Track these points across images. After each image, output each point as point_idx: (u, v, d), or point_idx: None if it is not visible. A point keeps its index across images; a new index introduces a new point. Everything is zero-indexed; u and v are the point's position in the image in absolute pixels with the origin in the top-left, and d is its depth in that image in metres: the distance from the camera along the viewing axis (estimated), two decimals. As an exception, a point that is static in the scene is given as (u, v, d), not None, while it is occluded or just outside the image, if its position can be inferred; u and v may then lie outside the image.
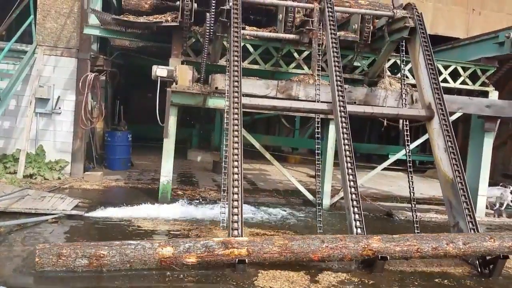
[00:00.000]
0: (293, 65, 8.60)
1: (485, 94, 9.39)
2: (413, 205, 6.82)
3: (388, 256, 5.07)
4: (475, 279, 5.28)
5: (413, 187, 6.83)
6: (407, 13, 7.18)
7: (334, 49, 6.71)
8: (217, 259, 4.76)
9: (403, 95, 7.58)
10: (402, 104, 7.53)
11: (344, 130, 6.12)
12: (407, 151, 7.07)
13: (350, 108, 6.53)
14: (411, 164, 6.94)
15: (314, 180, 9.88)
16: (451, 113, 7.84)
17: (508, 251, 5.35)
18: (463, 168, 6.10)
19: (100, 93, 9.73)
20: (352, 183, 5.77)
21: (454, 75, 9.28)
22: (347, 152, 5.96)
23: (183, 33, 7.70)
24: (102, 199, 7.75)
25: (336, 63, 6.62)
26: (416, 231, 6.57)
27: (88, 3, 8.29)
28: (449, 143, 6.21)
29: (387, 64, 8.73)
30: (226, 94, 6.38)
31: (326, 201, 8.47)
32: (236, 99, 6.00)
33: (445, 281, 5.12)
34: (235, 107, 5.95)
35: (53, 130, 9.46)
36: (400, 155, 8.87)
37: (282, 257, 4.89)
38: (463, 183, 5.95)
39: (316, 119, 7.19)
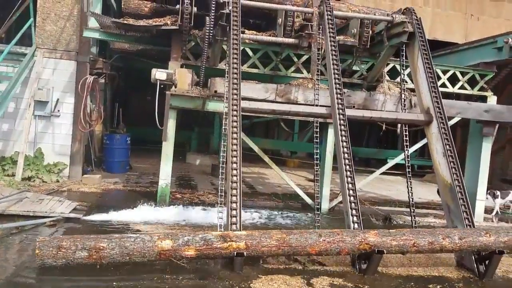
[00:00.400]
0: (292, 69, 8.62)
1: (483, 99, 9.41)
2: (411, 209, 6.82)
3: (384, 250, 5.08)
4: (472, 286, 5.26)
5: (411, 192, 6.83)
6: (406, 18, 7.21)
7: (333, 54, 6.73)
8: (215, 252, 4.78)
9: (402, 100, 7.59)
10: (401, 109, 7.54)
11: (343, 134, 6.13)
12: (406, 155, 7.08)
13: (349, 112, 6.54)
14: (410, 169, 6.94)
15: (312, 184, 9.86)
16: (450, 118, 7.87)
17: (503, 246, 5.38)
18: (461, 173, 6.11)
19: (99, 96, 9.73)
20: (350, 186, 5.78)
21: (453, 80, 9.31)
22: (346, 156, 5.96)
23: (182, 37, 7.71)
24: (100, 202, 7.73)
25: (335, 67, 6.64)
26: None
27: (88, 6, 8.31)
28: (448, 147, 6.22)
29: (386, 69, 8.76)
30: (225, 98, 6.38)
31: (325, 205, 8.47)
32: (235, 103, 6.01)
33: (439, 286, 5.09)
34: (234, 111, 5.96)
35: (52, 132, 9.45)
36: (399, 159, 8.89)
37: (280, 250, 4.93)
38: (462, 188, 5.96)
39: (315, 123, 7.20)
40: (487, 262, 5.44)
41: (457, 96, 9.75)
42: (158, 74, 7.51)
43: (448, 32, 13.15)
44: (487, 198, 9.20)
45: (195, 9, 7.26)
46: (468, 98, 9.45)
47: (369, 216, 8.25)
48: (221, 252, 4.79)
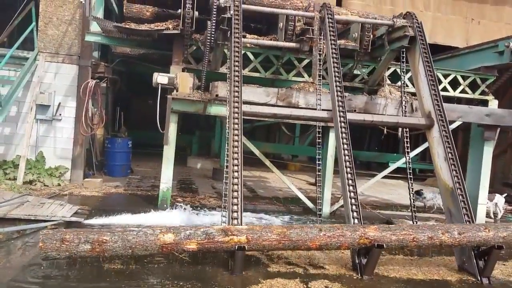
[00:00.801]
0: (293, 73, 8.64)
1: (484, 103, 9.42)
2: (413, 213, 6.81)
3: (384, 244, 5.10)
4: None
5: (413, 195, 6.83)
6: (407, 22, 7.23)
7: (334, 58, 6.75)
8: (217, 246, 4.81)
9: (403, 104, 7.60)
10: (403, 113, 7.55)
11: (344, 138, 6.14)
12: (407, 159, 7.08)
13: (350, 116, 6.55)
14: (411, 172, 6.94)
15: (314, 188, 9.86)
16: (451, 122, 7.86)
17: (503, 241, 5.40)
18: (463, 177, 6.11)
19: (100, 100, 9.75)
20: (352, 188, 5.79)
21: (454, 84, 9.32)
22: (347, 160, 5.97)
23: (184, 41, 7.74)
24: (102, 206, 7.73)
25: (336, 71, 6.66)
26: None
27: (90, 10, 8.33)
28: (449, 151, 6.23)
29: (387, 73, 8.77)
30: (226, 102, 6.40)
31: (326, 209, 8.45)
32: (236, 106, 6.03)
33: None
34: (235, 114, 5.97)
35: (54, 136, 9.47)
36: (400, 163, 8.88)
37: (280, 244, 4.96)
38: (463, 192, 5.96)
39: (316, 127, 7.21)
40: (486, 257, 5.46)
41: (458, 100, 9.76)
42: (160, 78, 7.53)
43: (448, 36, 13.17)
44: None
45: (196, 13, 7.30)
46: (469, 102, 9.46)
47: (371, 220, 8.23)
48: (223, 246, 4.83)
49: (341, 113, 6.33)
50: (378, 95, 8.26)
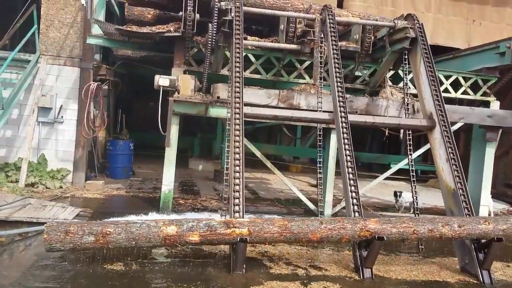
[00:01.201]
0: (294, 74, 8.64)
1: (486, 104, 9.40)
2: (416, 214, 6.80)
3: (384, 237, 5.13)
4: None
5: (416, 197, 6.82)
6: (408, 24, 7.24)
7: (336, 59, 6.76)
8: (219, 238, 4.87)
9: (405, 105, 7.60)
10: (405, 114, 7.55)
11: (346, 139, 6.14)
12: (410, 161, 7.07)
13: (352, 117, 6.55)
14: (414, 174, 6.94)
15: (315, 189, 9.83)
16: (453, 123, 7.87)
17: (502, 234, 5.44)
18: (464, 178, 6.10)
19: (102, 102, 9.76)
20: (353, 188, 5.81)
21: (456, 85, 9.31)
22: (349, 161, 5.97)
23: (185, 43, 7.75)
24: (104, 208, 7.74)
25: (338, 73, 6.66)
26: (419, 244, 6.55)
27: (92, 13, 8.36)
28: (451, 153, 6.22)
29: (388, 74, 8.77)
30: (228, 104, 6.40)
31: (328, 211, 8.44)
32: (237, 108, 6.04)
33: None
34: (236, 116, 5.98)
35: (55, 139, 9.49)
36: (402, 164, 8.86)
37: (282, 237, 5.01)
38: (465, 193, 5.95)
39: (318, 129, 7.21)
40: (485, 250, 5.48)
41: (460, 101, 9.74)
42: (161, 81, 7.55)
43: (450, 37, 13.15)
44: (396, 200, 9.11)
45: (197, 16, 7.30)
46: (471, 103, 9.44)
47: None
48: (225, 238, 4.89)
49: (343, 115, 6.33)
50: (379, 96, 8.26)
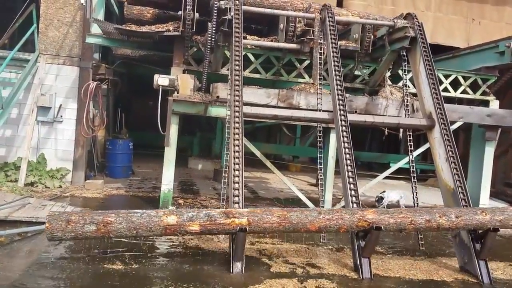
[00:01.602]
0: (294, 74, 8.63)
1: (486, 103, 9.40)
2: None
3: (382, 227, 5.15)
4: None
5: (416, 197, 6.82)
6: (407, 23, 7.24)
7: (335, 58, 6.75)
8: (218, 227, 4.92)
9: (405, 104, 7.60)
10: (405, 113, 7.55)
11: (345, 139, 6.14)
12: (411, 159, 7.07)
13: (351, 117, 6.55)
14: (414, 174, 6.94)
15: (315, 189, 9.85)
16: (452, 122, 7.86)
17: (499, 224, 5.47)
18: (464, 178, 6.10)
19: (101, 102, 9.76)
20: (353, 191, 5.80)
21: (455, 84, 9.31)
22: (348, 161, 5.97)
23: (184, 43, 7.74)
24: (103, 208, 7.73)
25: (337, 72, 6.66)
26: (420, 242, 6.56)
27: (91, 12, 8.35)
28: (450, 152, 6.23)
29: (388, 73, 8.76)
30: (227, 103, 6.40)
31: (327, 210, 8.43)
32: (237, 108, 6.03)
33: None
34: (236, 116, 5.98)
35: (55, 138, 9.48)
36: (402, 163, 8.86)
37: (281, 227, 5.05)
38: (464, 192, 5.96)
39: (317, 128, 7.21)
40: (482, 240, 5.53)
41: (459, 101, 9.74)
42: (161, 80, 7.54)
43: (449, 36, 13.15)
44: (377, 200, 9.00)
45: (197, 15, 7.29)
46: (470, 102, 9.45)
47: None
48: (224, 227, 4.93)
49: (342, 114, 6.33)
50: (379, 96, 8.26)
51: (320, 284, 4.94)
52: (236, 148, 5.76)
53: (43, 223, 6.32)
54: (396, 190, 9.37)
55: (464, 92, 9.33)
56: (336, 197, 9.14)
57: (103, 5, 9.27)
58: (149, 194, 9.16)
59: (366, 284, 5.10)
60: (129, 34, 8.13)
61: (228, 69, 6.74)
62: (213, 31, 7.06)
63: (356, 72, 8.87)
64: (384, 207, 8.92)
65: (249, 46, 8.12)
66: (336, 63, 6.72)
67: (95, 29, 8.62)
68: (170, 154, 7.82)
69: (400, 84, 8.24)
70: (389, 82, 8.74)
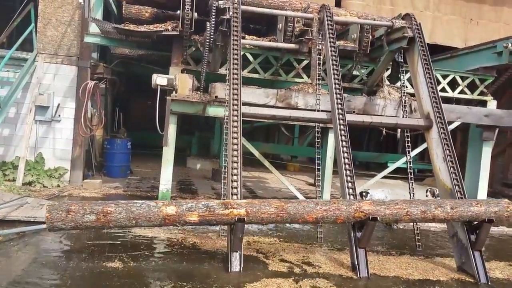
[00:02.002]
0: (292, 74, 8.65)
1: (483, 103, 9.44)
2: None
3: (378, 217, 5.21)
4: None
5: (413, 196, 6.84)
6: (405, 23, 7.25)
7: (333, 59, 6.76)
8: (217, 218, 4.95)
9: (402, 105, 7.62)
10: (403, 113, 7.57)
11: (343, 139, 6.15)
12: (408, 159, 7.09)
13: (349, 117, 6.57)
14: (412, 175, 6.96)
15: (313, 188, 9.85)
16: (450, 122, 7.89)
17: (494, 215, 5.52)
18: (461, 177, 6.12)
19: (100, 101, 9.75)
20: (350, 183, 5.83)
21: (453, 84, 9.34)
22: (346, 161, 5.98)
23: (183, 42, 7.75)
24: (101, 207, 7.72)
25: (335, 72, 6.67)
26: (417, 242, 6.58)
27: (89, 12, 8.34)
28: (448, 152, 6.24)
29: (386, 73, 8.78)
30: (225, 103, 6.41)
31: (325, 210, 8.45)
32: (235, 108, 6.04)
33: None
34: (234, 116, 5.98)
35: (53, 137, 9.47)
36: (400, 163, 8.88)
37: (278, 218, 5.10)
38: (462, 192, 5.97)
39: (316, 128, 7.22)
40: (477, 232, 5.57)
41: (457, 101, 9.76)
42: (159, 80, 7.54)
43: (448, 37, 13.19)
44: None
45: (195, 14, 7.29)
46: (468, 102, 9.47)
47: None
48: (223, 218, 4.96)
49: (340, 114, 6.35)
50: (377, 96, 8.27)
51: (318, 283, 4.95)
52: (235, 147, 5.77)
53: (41, 222, 6.36)
54: (381, 188, 9.42)
55: (462, 92, 9.36)
56: (334, 196, 9.15)
57: (101, 4, 9.27)
58: (147, 194, 9.15)
59: (363, 283, 5.13)
60: (128, 33, 8.12)
61: (226, 69, 6.74)
62: (212, 31, 7.06)
63: (355, 72, 8.89)
64: None
65: (247, 46, 8.13)
66: (334, 63, 6.73)
67: (93, 28, 8.61)
68: (168, 153, 7.82)
69: (398, 84, 8.26)
70: (387, 82, 8.76)
